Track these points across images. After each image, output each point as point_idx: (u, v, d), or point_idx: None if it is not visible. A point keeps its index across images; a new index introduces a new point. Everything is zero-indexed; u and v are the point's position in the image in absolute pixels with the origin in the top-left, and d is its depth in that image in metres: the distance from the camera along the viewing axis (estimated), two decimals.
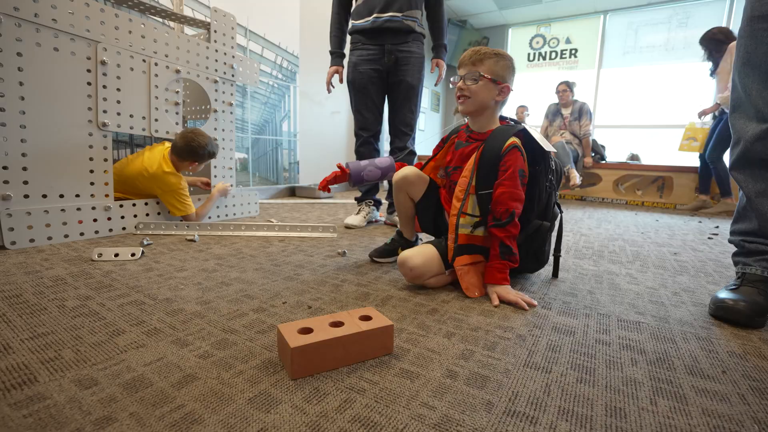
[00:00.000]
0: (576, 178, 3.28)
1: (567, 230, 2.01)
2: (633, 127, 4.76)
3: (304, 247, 1.44)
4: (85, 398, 0.54)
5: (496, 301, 0.93)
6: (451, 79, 1.09)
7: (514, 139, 0.99)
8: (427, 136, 5.03)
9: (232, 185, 1.97)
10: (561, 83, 3.57)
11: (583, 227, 2.13)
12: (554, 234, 1.14)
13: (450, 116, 5.70)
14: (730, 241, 0.99)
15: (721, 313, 0.86)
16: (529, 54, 5.27)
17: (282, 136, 3.13)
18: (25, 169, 1.29)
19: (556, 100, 3.69)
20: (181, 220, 1.68)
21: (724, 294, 0.89)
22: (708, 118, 2.94)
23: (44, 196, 1.34)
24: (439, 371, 0.63)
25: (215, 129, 1.93)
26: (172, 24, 2.11)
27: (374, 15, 1.73)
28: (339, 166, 1.21)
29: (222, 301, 0.89)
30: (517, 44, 5.37)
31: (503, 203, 0.96)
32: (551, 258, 1.17)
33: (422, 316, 0.85)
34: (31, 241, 1.31)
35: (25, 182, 1.30)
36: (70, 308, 0.83)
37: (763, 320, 0.84)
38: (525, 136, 1.03)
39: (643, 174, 3.51)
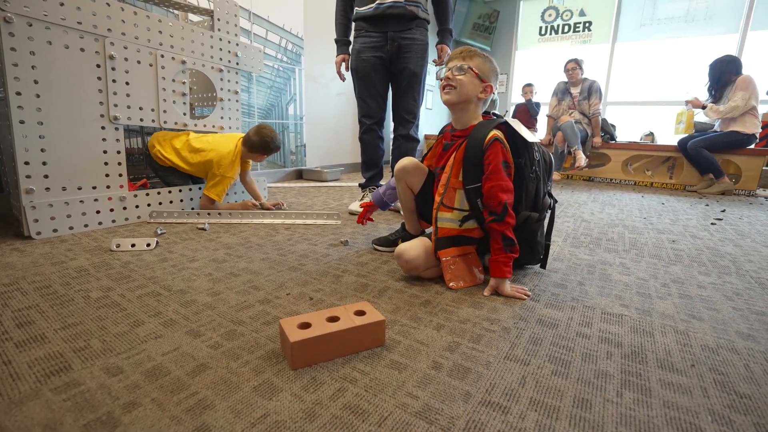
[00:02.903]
0: (582, 159, 3.25)
1: (568, 215, 2.04)
2: (648, 104, 4.62)
3: (309, 236, 1.50)
4: (113, 385, 0.62)
5: (504, 292, 0.99)
6: (437, 72, 1.13)
7: (495, 132, 1.03)
8: (434, 118, 4.97)
9: (256, 205, 1.95)
10: (570, 61, 3.48)
11: (585, 212, 2.15)
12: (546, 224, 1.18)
13: None
14: None
15: None
16: (540, 28, 5.09)
17: (288, 119, 3.15)
18: (44, 163, 1.36)
19: (566, 78, 3.61)
20: (200, 199, 1.82)
21: None
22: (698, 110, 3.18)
23: (64, 188, 1.42)
24: (425, 363, 0.69)
25: (221, 117, 1.97)
26: (176, 11, 2.11)
27: (377, 1, 1.71)
28: (363, 205, 1.38)
29: (231, 293, 0.97)
30: (528, 17, 5.18)
31: (494, 197, 1.00)
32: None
33: (415, 308, 0.91)
34: (54, 231, 1.40)
35: (46, 176, 1.37)
36: (94, 299, 0.92)
37: None
38: (507, 128, 1.06)
39: (653, 154, 3.45)
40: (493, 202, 1.00)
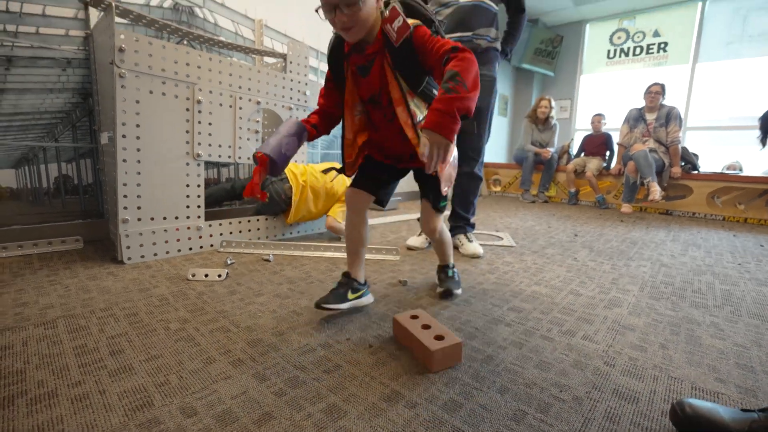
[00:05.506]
0: (656, 192, 2.98)
1: (644, 258, 1.86)
2: (736, 128, 4.17)
3: (368, 272, 1.52)
4: (188, 427, 0.66)
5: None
6: (320, 16, 0.94)
7: (410, 22, 0.93)
8: (491, 143, 4.88)
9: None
10: (654, 84, 3.25)
11: (664, 254, 1.95)
12: None
13: (518, 121, 5.45)
14: None
15: None
16: (609, 51, 4.85)
17: None
18: (139, 196, 1.53)
19: (638, 104, 3.38)
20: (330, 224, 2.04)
21: None
22: None
23: (152, 218, 1.59)
24: None
25: None
26: (254, 55, 2.32)
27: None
28: (257, 156, 0.99)
29: (294, 334, 1.00)
30: (595, 41, 4.98)
31: (438, 51, 0.90)
32: None
33: (477, 364, 0.87)
34: (142, 257, 1.56)
35: (139, 207, 1.54)
36: (173, 331, 1.00)
37: None
38: (403, 5, 0.95)
39: (746, 186, 3.08)
40: (440, 54, 0.89)
